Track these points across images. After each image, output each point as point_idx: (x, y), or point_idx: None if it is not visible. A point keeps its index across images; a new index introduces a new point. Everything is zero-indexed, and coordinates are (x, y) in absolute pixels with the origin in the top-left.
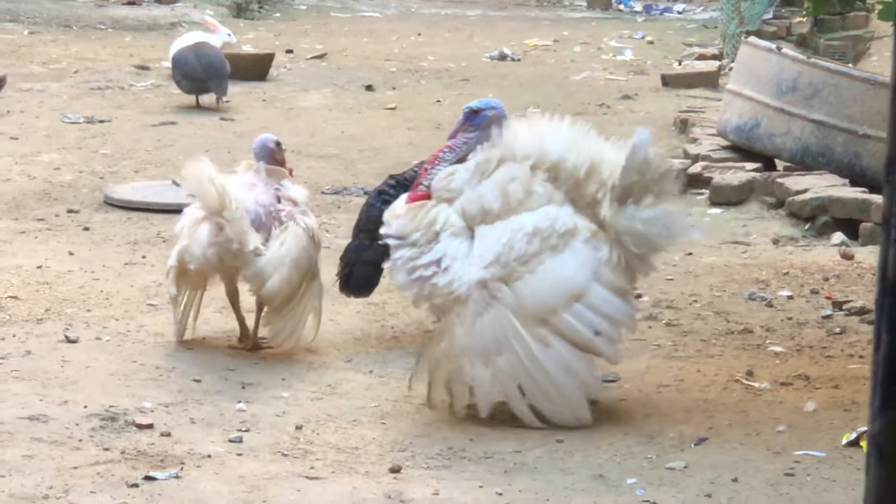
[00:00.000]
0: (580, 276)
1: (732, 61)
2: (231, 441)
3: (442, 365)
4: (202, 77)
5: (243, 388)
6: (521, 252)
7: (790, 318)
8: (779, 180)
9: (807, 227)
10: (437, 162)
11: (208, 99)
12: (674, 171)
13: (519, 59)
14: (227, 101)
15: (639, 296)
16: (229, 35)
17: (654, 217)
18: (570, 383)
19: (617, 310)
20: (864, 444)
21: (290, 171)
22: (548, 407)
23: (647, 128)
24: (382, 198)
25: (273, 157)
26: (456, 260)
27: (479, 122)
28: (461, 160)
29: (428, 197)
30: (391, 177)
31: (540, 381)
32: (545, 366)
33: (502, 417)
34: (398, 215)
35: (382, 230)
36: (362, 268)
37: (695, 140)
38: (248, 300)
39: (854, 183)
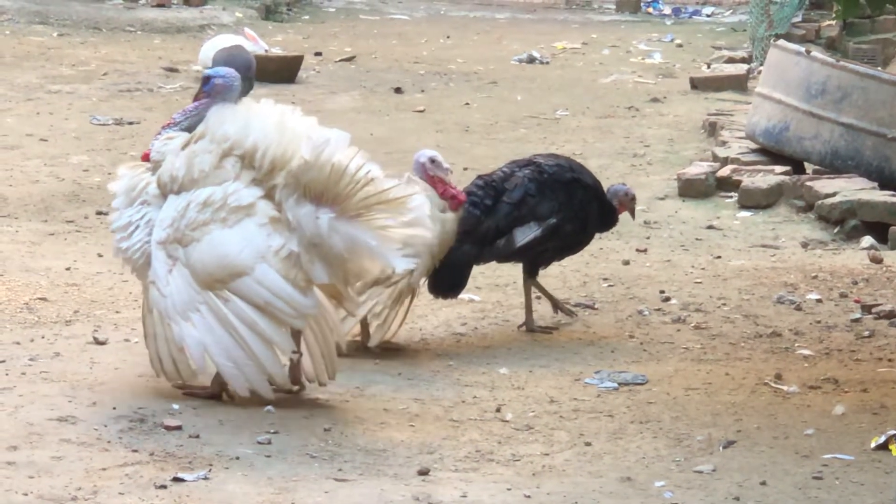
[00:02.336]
0: (243, 254)
1: (761, 64)
2: (259, 443)
3: (159, 332)
4: None
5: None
6: (192, 219)
7: (819, 322)
8: (808, 183)
9: (836, 230)
10: (169, 125)
11: None
12: (400, 200)
13: (548, 62)
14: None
15: (667, 299)
16: (266, 50)
17: (321, 217)
18: (256, 340)
19: (289, 296)
20: (892, 447)
21: (443, 192)
22: (245, 363)
23: (345, 132)
24: (471, 199)
25: (424, 171)
26: (139, 228)
27: (209, 89)
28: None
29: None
30: (479, 177)
31: (233, 334)
32: (229, 319)
33: (525, 421)
34: (121, 175)
35: (109, 186)
36: (450, 269)
37: (724, 143)
38: None
39: (883, 186)
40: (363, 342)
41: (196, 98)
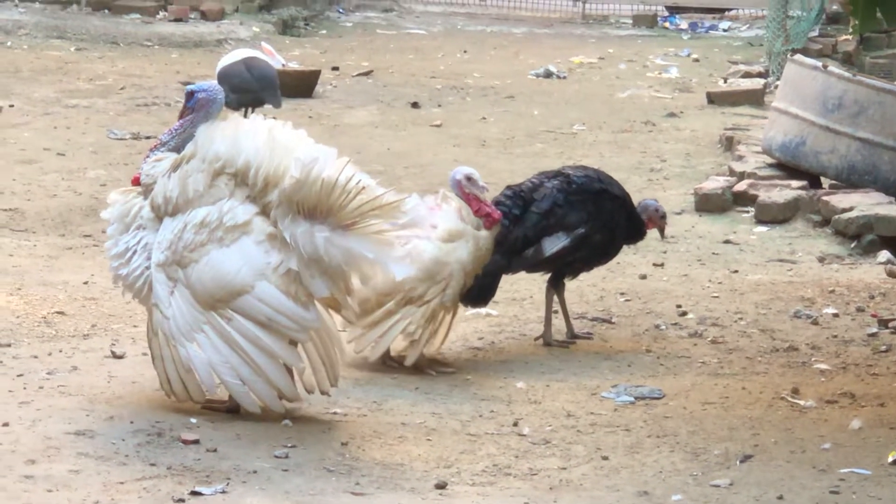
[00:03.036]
0: (242, 273)
1: (778, 79)
2: (277, 457)
3: (165, 354)
4: (255, 88)
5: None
6: (189, 241)
7: (835, 336)
8: (824, 198)
9: (853, 245)
10: (157, 146)
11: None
12: (394, 204)
13: (565, 77)
14: (273, 119)
15: (684, 313)
16: (284, 65)
17: (316, 235)
18: (261, 355)
19: (291, 311)
20: None
21: (478, 209)
22: (253, 379)
23: (332, 147)
24: (499, 209)
25: (460, 188)
26: (136, 252)
27: (193, 105)
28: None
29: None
30: (508, 187)
31: (238, 352)
32: (233, 337)
33: (542, 435)
34: (113, 201)
35: (102, 214)
36: (479, 279)
37: (740, 158)
38: None
39: None
40: (382, 360)
41: (181, 115)
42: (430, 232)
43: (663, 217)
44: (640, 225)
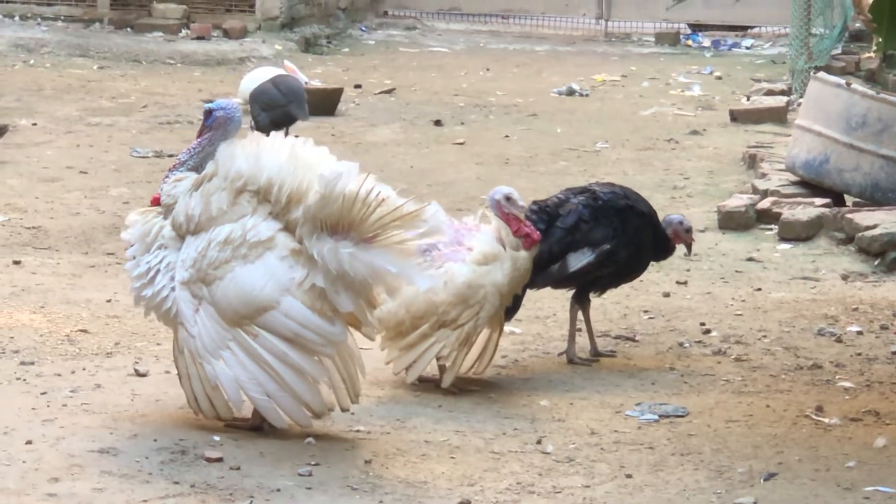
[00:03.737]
0: (267, 289)
1: (801, 97)
2: (300, 475)
3: (192, 372)
4: (283, 102)
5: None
6: (213, 258)
7: (860, 354)
8: (848, 216)
9: (876, 262)
10: (176, 166)
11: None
12: (414, 213)
13: (587, 95)
14: (296, 136)
15: (707, 331)
16: (306, 83)
17: (341, 251)
18: (288, 371)
19: (317, 326)
20: None
21: (517, 230)
22: (280, 395)
23: (352, 161)
24: None
25: (499, 208)
26: (160, 272)
27: (211, 123)
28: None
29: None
30: (534, 202)
31: (265, 368)
32: (260, 353)
33: (566, 453)
34: (132, 222)
35: (122, 235)
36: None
37: (764, 175)
38: None
39: None
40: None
41: (199, 133)
42: (465, 254)
43: (689, 231)
44: (667, 241)
